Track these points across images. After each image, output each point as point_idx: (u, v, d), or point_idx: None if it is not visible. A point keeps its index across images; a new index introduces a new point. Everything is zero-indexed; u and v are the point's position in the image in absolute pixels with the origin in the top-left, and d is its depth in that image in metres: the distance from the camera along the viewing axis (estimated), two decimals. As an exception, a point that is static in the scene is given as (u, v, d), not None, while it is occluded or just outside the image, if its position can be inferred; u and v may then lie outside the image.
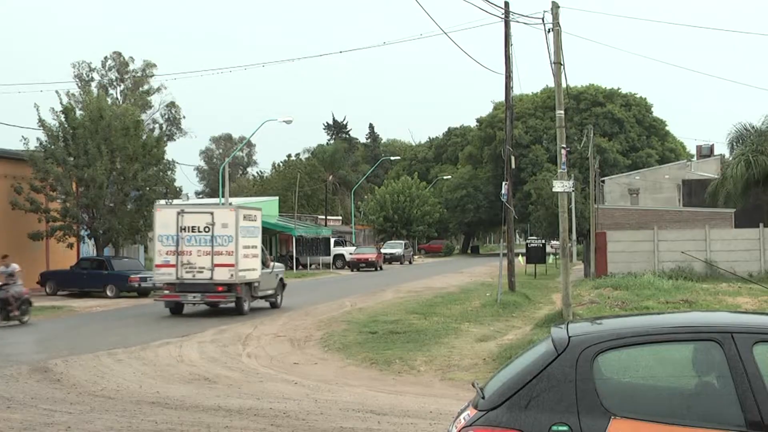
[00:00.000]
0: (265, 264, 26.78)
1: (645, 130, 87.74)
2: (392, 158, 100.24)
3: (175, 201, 41.95)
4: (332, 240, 62.02)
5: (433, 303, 27.23)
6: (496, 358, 15.24)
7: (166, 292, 25.21)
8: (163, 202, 38.97)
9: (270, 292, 27.33)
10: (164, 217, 25.09)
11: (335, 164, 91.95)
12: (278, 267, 28.94)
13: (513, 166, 29.97)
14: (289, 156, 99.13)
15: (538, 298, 31.03)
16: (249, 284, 25.65)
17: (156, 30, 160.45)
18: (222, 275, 24.52)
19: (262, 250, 26.93)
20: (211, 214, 25.02)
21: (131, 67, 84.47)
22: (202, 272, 24.56)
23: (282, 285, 28.38)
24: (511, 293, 29.13)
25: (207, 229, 24.63)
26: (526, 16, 25.32)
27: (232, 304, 25.30)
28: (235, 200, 61.17)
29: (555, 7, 20.83)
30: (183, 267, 24.59)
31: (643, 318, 5.82)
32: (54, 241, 35.40)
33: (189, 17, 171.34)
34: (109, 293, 32.88)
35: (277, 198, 71.68)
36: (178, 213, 25.00)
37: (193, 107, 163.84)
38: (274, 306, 27.55)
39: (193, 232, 24.71)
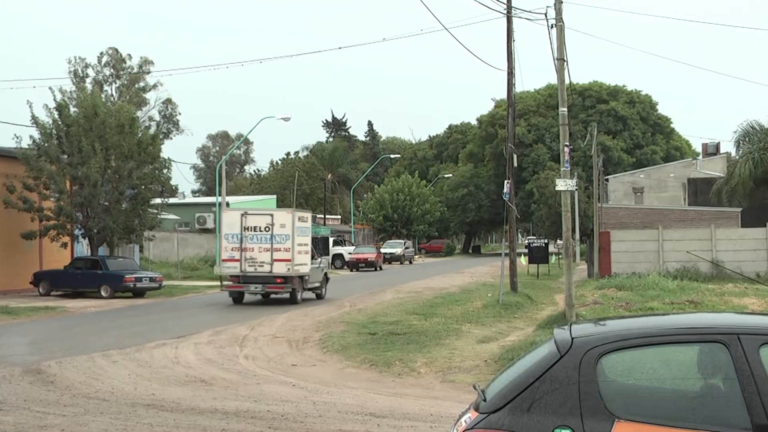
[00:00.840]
0: (313, 259, 30.89)
1: (650, 127, 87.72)
2: (392, 156, 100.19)
3: (172, 200, 42.00)
4: (331, 239, 61.98)
5: (434, 303, 27.23)
6: (497, 359, 15.23)
7: (230, 282, 29.16)
8: (158, 200, 39.02)
9: (317, 284, 31.31)
10: (230, 218, 29.40)
11: (334, 162, 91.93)
12: (323, 263, 32.80)
13: (515, 164, 29.93)
14: (287, 154, 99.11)
15: (540, 298, 31.01)
16: (301, 277, 29.61)
17: (153, 26, 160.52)
18: (280, 269, 28.73)
19: (312, 248, 30.78)
20: (271, 216, 29.29)
21: (127, 63, 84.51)
22: (262, 266, 28.71)
23: (326, 278, 32.51)
24: (513, 294, 29.15)
25: (267, 229, 28.76)
26: (529, 12, 25.20)
27: (287, 295, 29.29)
28: (231, 199, 61.20)
29: (558, 3, 20.81)
30: (246, 261, 28.75)
31: (648, 319, 5.82)
32: (47, 240, 35.38)
33: (186, 13, 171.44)
34: (103, 293, 32.88)
35: (275, 197, 71.71)
36: (242, 215, 29.09)
37: (190, 105, 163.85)
38: (319, 297, 31.46)
39: (255, 231, 28.80)
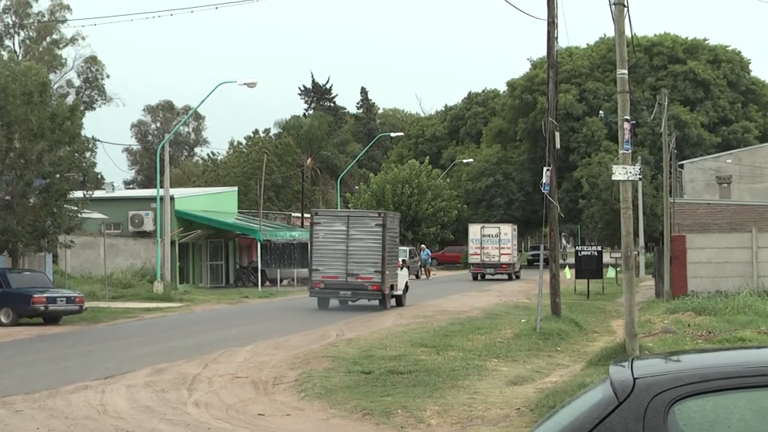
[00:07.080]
0: (518, 253, 67.54)
1: (740, 95, 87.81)
2: (393, 134, 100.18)
3: (97, 193, 42.02)
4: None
5: (449, 332, 27.40)
6: (534, 407, 15.31)
7: (473, 268, 64.94)
8: (79, 194, 38.95)
9: (517, 270, 66.21)
10: (474, 228, 65.20)
11: (316, 143, 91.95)
12: (519, 257, 70.36)
13: (558, 145, 29.95)
14: (254, 132, 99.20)
15: (591, 325, 31.16)
16: (513, 264, 64.32)
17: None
18: (505, 260, 63.26)
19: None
20: (499, 228, 64.98)
21: (35, 8, 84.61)
22: (494, 258, 63.15)
23: (520, 267, 69.12)
24: (554, 319, 29.19)
25: (496, 235, 63.54)
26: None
27: (506, 276, 63.17)
28: (178, 191, 61.20)
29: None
30: (483, 255, 63.47)
31: (737, 353, 5.81)
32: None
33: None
34: (3, 319, 32.84)
35: (236, 189, 71.70)
36: (481, 227, 65.04)
37: (121, 66, 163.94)
38: (517, 277, 64.31)
39: (489, 237, 63.62)
